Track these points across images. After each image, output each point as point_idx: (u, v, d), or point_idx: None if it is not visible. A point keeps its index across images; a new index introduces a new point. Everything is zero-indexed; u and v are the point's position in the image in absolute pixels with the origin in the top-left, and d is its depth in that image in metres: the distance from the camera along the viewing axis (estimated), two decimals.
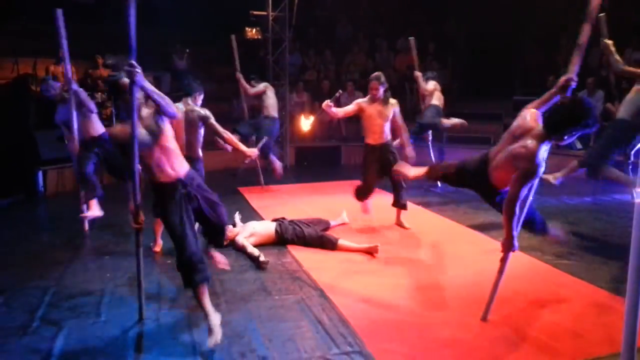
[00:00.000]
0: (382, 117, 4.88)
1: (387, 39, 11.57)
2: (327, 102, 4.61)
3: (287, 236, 4.55)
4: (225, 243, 4.54)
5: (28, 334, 3.00)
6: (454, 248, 4.54)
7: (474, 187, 3.54)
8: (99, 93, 8.63)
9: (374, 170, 5.00)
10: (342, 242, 4.44)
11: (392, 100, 4.95)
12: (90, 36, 9.77)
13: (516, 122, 3.16)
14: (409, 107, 10.45)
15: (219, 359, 2.70)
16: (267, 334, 2.98)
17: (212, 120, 4.28)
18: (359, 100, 5.00)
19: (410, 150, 5.07)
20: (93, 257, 4.41)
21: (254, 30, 9.90)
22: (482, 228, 5.14)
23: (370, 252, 4.37)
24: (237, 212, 4.97)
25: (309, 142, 9.70)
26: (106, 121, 8.64)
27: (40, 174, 6.87)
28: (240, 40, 10.87)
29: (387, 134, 4.97)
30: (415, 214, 5.84)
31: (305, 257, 4.29)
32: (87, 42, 9.63)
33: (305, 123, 5.53)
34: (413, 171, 4.05)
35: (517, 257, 4.28)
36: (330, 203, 6.05)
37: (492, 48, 10.40)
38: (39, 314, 3.26)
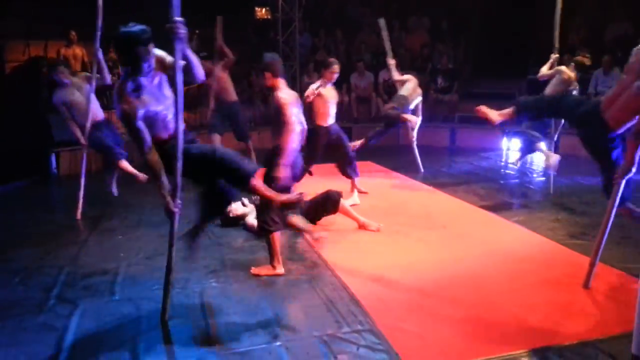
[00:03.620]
0: (334, 100, 5.19)
1: (399, 18, 11.39)
2: (312, 91, 4.99)
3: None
4: (231, 215, 4.59)
5: (44, 312, 3.07)
6: (466, 228, 4.52)
7: (578, 125, 3.66)
8: (110, 75, 8.63)
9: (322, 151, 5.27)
10: (344, 203, 4.51)
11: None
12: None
13: (633, 58, 3.21)
14: (421, 87, 10.32)
15: (231, 337, 2.74)
16: (279, 312, 3.01)
17: None
18: (314, 85, 5.16)
19: None
20: (107, 237, 4.46)
21: (264, 10, 9.82)
22: (494, 208, 5.10)
23: (367, 227, 4.46)
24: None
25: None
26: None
27: (53, 155, 6.94)
28: (249, 20, 10.81)
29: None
30: (427, 194, 5.82)
31: (316, 238, 4.30)
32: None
33: None
34: (497, 113, 4.11)
35: (529, 237, 4.28)
36: (341, 185, 6.03)
37: (506, 26, 10.20)
38: (54, 293, 3.32)
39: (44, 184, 6.64)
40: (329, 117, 5.19)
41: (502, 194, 5.75)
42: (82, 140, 5.03)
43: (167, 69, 2.86)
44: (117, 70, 8.78)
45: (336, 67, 5.05)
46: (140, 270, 3.69)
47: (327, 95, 5.11)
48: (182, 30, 2.66)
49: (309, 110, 5.14)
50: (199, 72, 2.88)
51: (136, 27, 2.72)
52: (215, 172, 2.98)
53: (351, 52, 10.99)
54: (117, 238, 4.43)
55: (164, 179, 2.82)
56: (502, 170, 7.15)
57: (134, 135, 2.76)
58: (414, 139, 6.76)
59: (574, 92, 5.30)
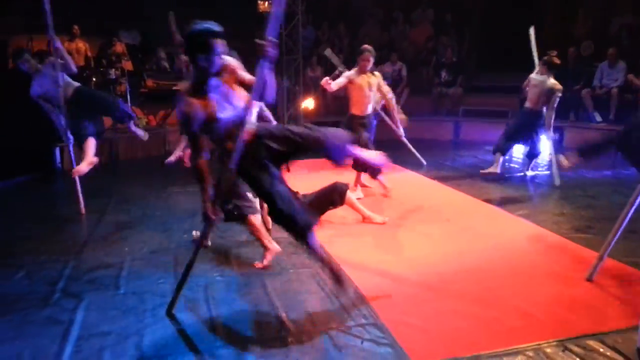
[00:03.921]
0: (372, 89, 5.10)
1: (403, 10, 11.34)
2: (325, 80, 4.82)
3: None
4: (236, 213, 4.59)
5: (49, 306, 3.08)
6: (470, 222, 4.51)
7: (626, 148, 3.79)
8: (113, 69, 8.64)
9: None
10: (350, 195, 4.45)
11: (377, 73, 5.19)
12: (102, 12, 9.74)
13: None
14: (425, 81, 10.31)
15: (236, 330, 2.74)
16: (283, 306, 3.01)
17: None
18: (348, 73, 5.08)
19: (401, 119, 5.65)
20: (111, 231, 4.47)
21: (266, 3, 9.76)
22: (498, 202, 5.09)
23: (372, 220, 4.47)
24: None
25: (322, 117, 9.63)
26: (120, 98, 8.69)
27: (57, 150, 6.95)
28: (252, 13, 10.75)
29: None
30: (431, 188, 5.81)
31: (320, 231, 4.29)
32: (99, 18, 9.62)
33: (308, 103, 5.63)
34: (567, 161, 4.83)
35: (533, 231, 4.26)
36: (344, 178, 6.02)
37: (510, 19, 10.13)
38: (59, 287, 3.33)
39: (48, 179, 6.66)
40: (364, 106, 5.10)
41: (507, 188, 5.74)
42: (64, 139, 4.94)
43: (238, 82, 2.85)
44: (119, 65, 8.78)
45: (367, 55, 4.96)
46: (144, 265, 3.70)
47: (362, 84, 5.01)
48: (273, 51, 2.65)
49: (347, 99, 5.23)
50: (272, 92, 2.83)
51: (211, 22, 2.74)
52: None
53: (355, 46, 10.94)
54: (122, 232, 4.44)
55: (209, 187, 2.82)
56: (507, 163, 7.12)
57: (189, 138, 2.79)
58: (402, 136, 6.67)
59: (558, 95, 5.73)
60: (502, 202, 5.09)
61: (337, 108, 9.94)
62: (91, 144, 4.99)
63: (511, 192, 5.56)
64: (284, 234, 4.19)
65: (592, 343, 2.55)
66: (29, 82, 5.06)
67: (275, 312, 2.94)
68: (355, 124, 5.09)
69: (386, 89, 5.83)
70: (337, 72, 5.11)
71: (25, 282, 3.45)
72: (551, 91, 5.72)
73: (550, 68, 5.79)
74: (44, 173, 6.72)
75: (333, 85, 4.91)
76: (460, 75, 9.93)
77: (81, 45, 8.85)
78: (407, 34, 11.00)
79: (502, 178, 6.12)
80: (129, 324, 2.84)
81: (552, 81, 5.76)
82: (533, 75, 5.93)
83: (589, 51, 8.74)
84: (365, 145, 4.97)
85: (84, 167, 4.89)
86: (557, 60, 5.82)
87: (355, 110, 5.13)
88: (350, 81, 5.00)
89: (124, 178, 6.56)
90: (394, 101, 5.71)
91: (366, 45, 5.13)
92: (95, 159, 5.01)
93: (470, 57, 10.69)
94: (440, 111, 9.83)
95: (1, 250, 4.12)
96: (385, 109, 5.92)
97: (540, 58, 5.94)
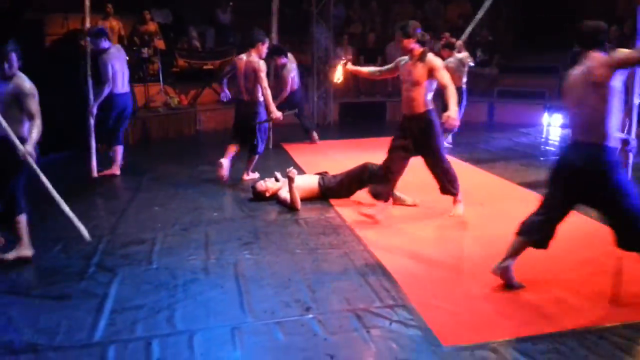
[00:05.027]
0: (410, 80, 3.89)
1: None
2: (345, 60, 4.63)
3: (330, 186, 4.56)
4: (267, 195, 4.61)
5: (85, 279, 3.17)
6: (503, 205, 4.41)
7: None
8: (146, 48, 8.70)
9: (397, 155, 4.05)
10: None
11: (430, 57, 3.84)
12: None
13: None
14: None
15: (265, 308, 2.77)
16: (311, 285, 3.02)
17: (262, 73, 4.94)
18: (402, 57, 4.08)
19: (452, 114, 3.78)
20: (145, 207, 4.56)
21: None
22: (533, 186, 4.95)
23: (402, 203, 4.45)
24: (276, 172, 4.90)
25: (353, 98, 9.53)
26: (152, 77, 8.76)
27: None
28: None
29: (422, 103, 3.90)
30: (464, 170, 5.69)
31: (349, 212, 4.28)
32: None
33: (336, 74, 5.40)
34: None
35: (570, 216, 4.12)
36: (374, 159, 5.96)
37: None
38: (94, 261, 3.42)
39: (83, 157, 6.80)
40: (405, 102, 3.98)
41: (542, 171, 5.56)
42: None
43: None
44: (152, 44, 8.84)
45: (396, 34, 4.02)
46: (176, 241, 3.76)
47: (401, 72, 4.01)
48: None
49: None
50: None
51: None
52: None
53: (387, 24, 10.72)
54: (154, 209, 4.51)
55: None
56: (543, 146, 6.92)
57: None
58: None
59: (469, 60, 6.78)
60: (537, 186, 4.93)
61: (368, 88, 9.83)
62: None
63: (546, 175, 5.39)
64: (311, 214, 4.22)
65: (628, 332, 2.47)
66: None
67: (303, 291, 2.94)
68: (400, 126, 4.15)
69: (441, 74, 3.86)
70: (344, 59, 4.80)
71: (62, 256, 3.56)
72: (462, 62, 6.59)
73: (451, 48, 6.70)
74: (79, 151, 6.87)
75: (374, 70, 4.55)
76: (496, 55, 9.64)
77: (115, 24, 8.92)
78: (441, 12, 10.70)
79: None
80: (160, 298, 2.90)
81: (459, 56, 6.62)
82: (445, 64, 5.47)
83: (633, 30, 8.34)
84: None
85: None
86: (452, 40, 6.90)
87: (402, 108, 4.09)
88: (396, 67, 4.09)
89: (156, 156, 6.66)
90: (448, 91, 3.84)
91: (412, 21, 4.10)
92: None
93: (506, 36, 10.36)
94: (474, 91, 9.58)
95: (39, 224, 4.25)
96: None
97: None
